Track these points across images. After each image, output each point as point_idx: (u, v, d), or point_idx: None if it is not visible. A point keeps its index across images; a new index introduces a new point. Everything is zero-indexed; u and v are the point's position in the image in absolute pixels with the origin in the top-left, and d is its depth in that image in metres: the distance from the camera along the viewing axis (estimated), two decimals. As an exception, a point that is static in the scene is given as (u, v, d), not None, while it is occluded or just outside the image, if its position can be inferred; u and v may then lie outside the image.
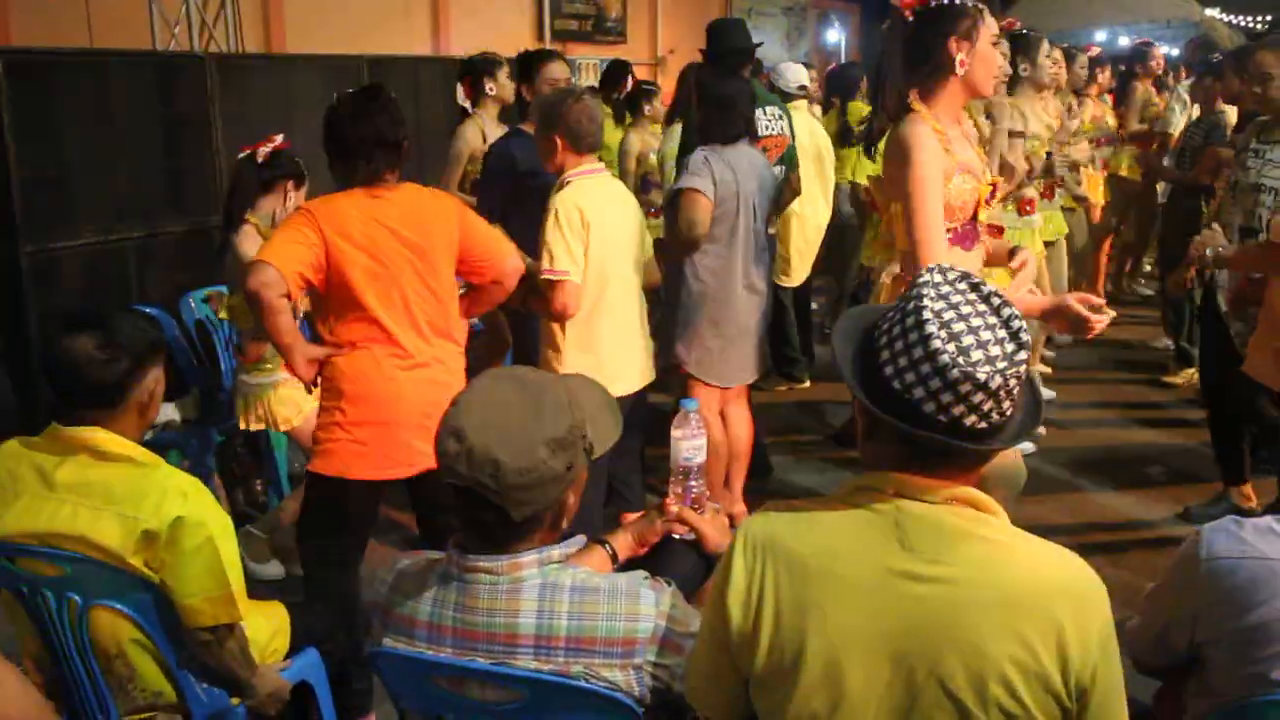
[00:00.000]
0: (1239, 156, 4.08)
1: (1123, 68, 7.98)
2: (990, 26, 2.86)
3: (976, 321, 1.43)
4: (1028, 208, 5.18)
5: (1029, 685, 1.39)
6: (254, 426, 4.04)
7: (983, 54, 2.86)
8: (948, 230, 2.86)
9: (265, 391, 3.99)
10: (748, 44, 4.78)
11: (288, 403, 3.98)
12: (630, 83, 6.82)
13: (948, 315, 1.44)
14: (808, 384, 6.34)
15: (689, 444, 2.14)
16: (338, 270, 2.85)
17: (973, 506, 1.46)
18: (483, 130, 4.92)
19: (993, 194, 2.96)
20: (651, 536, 2.16)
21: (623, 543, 2.13)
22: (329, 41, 7.67)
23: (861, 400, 1.49)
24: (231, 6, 7.52)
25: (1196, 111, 6.44)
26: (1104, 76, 7.37)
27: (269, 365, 3.96)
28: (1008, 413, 1.43)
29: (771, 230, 4.36)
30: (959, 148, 2.87)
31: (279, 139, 4.00)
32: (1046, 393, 5.95)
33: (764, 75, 6.25)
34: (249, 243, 3.79)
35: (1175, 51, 9.71)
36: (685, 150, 4.54)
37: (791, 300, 6.17)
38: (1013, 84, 5.00)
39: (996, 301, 1.46)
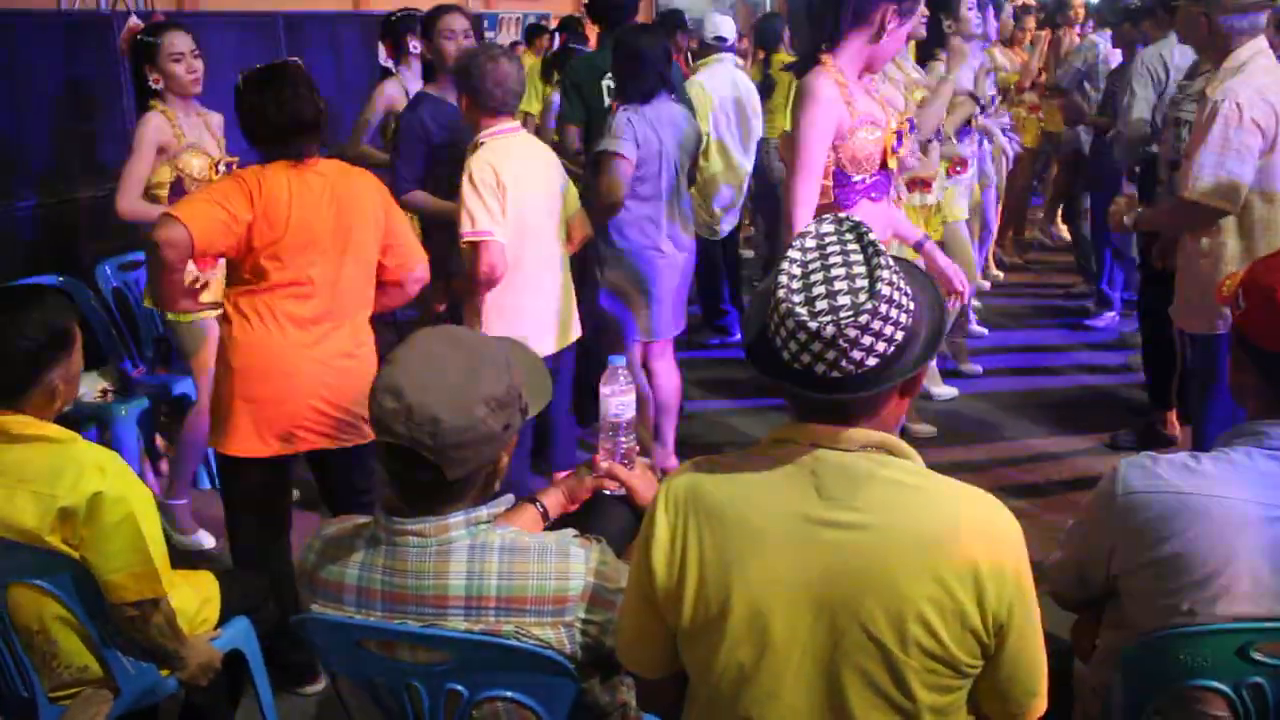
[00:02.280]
0: (1175, 97, 4.22)
1: (1043, 16, 8.05)
2: (919, 15, 2.98)
3: (838, 271, 1.43)
4: (959, 168, 5.20)
5: (947, 623, 1.42)
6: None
7: (901, 36, 2.97)
8: (857, 181, 2.92)
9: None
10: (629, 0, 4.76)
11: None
12: (555, 41, 6.73)
13: (813, 264, 1.45)
14: (738, 337, 6.37)
15: (618, 400, 2.14)
16: (264, 242, 2.81)
17: (888, 451, 1.48)
18: (405, 89, 4.82)
19: (900, 140, 3.02)
20: (582, 493, 2.16)
21: (553, 500, 2.13)
22: (243, -1, 7.46)
23: (744, 340, 1.54)
24: (140, -37, 7.28)
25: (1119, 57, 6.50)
26: (1030, 23, 7.47)
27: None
28: (866, 364, 1.41)
29: (692, 189, 4.36)
30: (861, 100, 2.93)
31: (131, 22, 3.92)
32: (979, 329, 6.08)
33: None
34: (149, 130, 3.76)
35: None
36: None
37: (721, 254, 6.19)
38: (939, 42, 4.70)
39: (871, 252, 1.45)
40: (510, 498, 1.81)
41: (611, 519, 2.15)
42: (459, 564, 1.68)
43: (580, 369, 4.00)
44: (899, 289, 1.43)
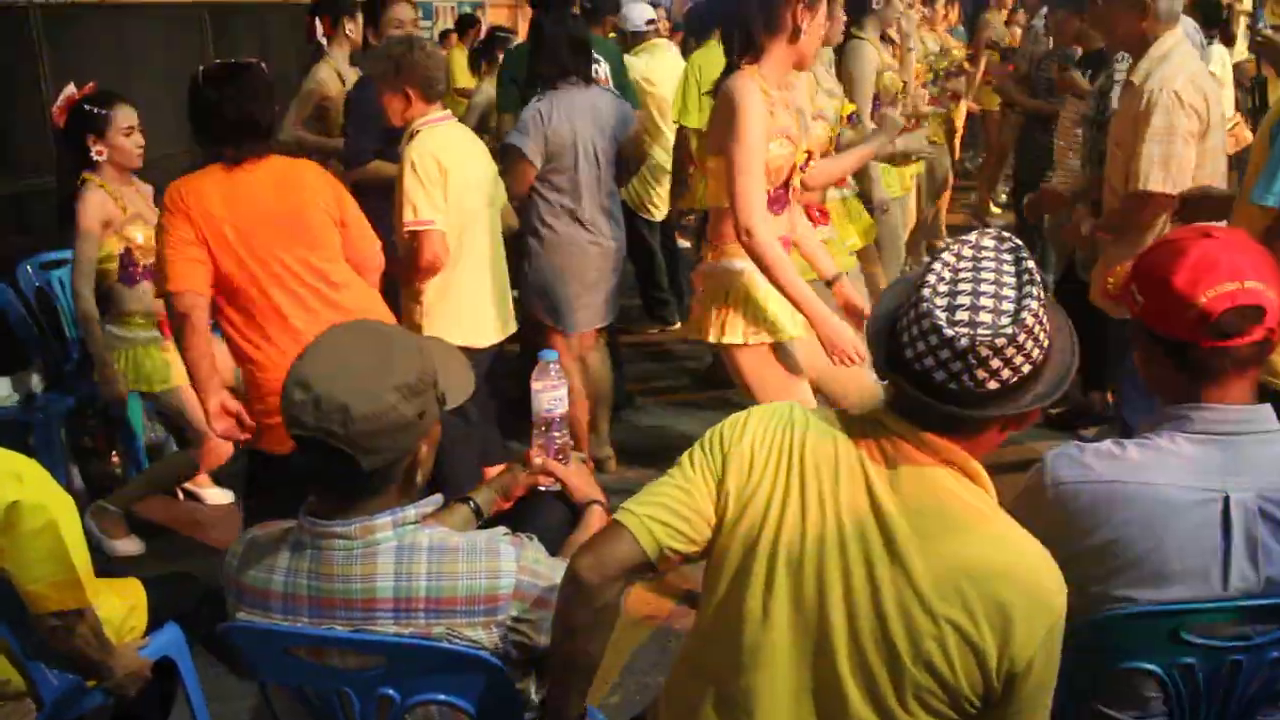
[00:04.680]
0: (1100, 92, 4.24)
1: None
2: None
3: (987, 287, 1.44)
4: None
5: (963, 653, 1.42)
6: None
7: (819, 26, 2.92)
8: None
9: (134, 347, 3.81)
10: None
11: (159, 363, 3.81)
12: (482, 30, 6.65)
13: (964, 272, 1.46)
14: (678, 325, 6.35)
15: (550, 395, 2.12)
16: (217, 256, 2.82)
17: (969, 476, 1.49)
18: (338, 72, 4.73)
19: (808, 161, 2.97)
20: (516, 490, 2.14)
21: (486, 498, 2.11)
22: (168, -12, 7.28)
23: (868, 327, 1.57)
24: (58, -48, 7.08)
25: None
26: (953, 12, 7.53)
27: (141, 320, 3.80)
28: (986, 386, 1.42)
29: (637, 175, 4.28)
30: (780, 112, 2.89)
31: (68, 91, 3.77)
32: None
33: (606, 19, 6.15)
34: (91, 210, 3.65)
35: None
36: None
37: (659, 241, 6.16)
38: (859, 17, 4.60)
39: (1025, 279, 1.45)
40: (439, 498, 1.77)
41: (547, 515, 2.13)
42: (386, 566, 1.65)
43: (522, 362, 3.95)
44: (1040, 323, 1.44)
